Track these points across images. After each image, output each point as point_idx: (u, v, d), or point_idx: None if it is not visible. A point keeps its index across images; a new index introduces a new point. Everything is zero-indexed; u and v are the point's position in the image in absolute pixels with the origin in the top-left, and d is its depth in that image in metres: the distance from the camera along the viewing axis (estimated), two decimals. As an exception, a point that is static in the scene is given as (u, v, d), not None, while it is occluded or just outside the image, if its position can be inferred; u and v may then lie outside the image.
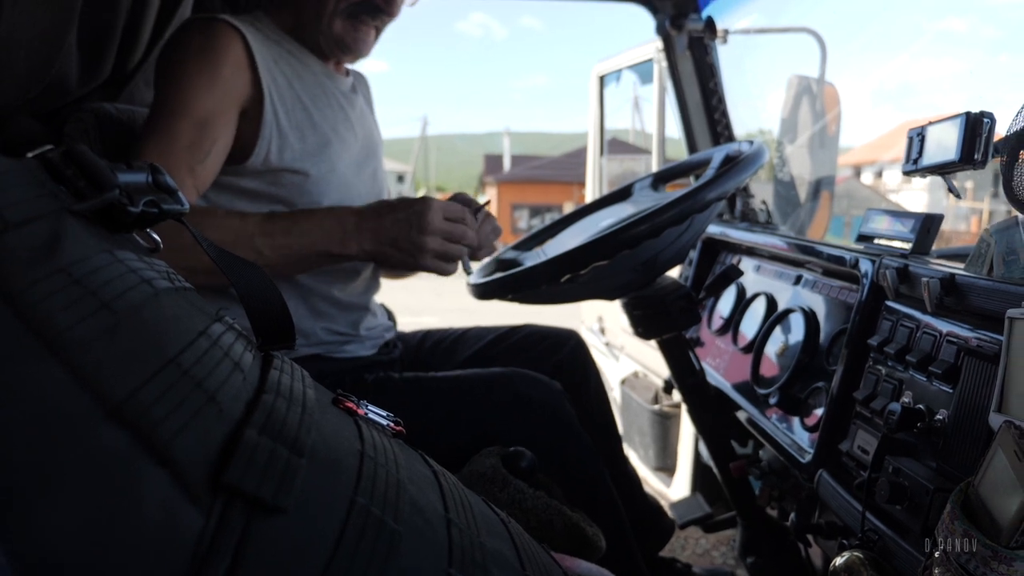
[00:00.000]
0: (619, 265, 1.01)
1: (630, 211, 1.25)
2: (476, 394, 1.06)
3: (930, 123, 0.80)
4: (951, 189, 0.81)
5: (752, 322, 1.26)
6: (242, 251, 0.92)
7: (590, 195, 3.16)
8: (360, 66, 1.26)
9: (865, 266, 0.93)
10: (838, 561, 0.74)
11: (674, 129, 1.99)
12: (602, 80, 2.82)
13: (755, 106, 2.05)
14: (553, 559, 0.47)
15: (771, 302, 1.23)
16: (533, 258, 1.22)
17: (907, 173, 0.84)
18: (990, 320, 0.69)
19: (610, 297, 1.20)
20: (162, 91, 0.99)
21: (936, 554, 0.57)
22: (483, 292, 1.07)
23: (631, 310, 1.20)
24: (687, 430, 1.94)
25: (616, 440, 1.34)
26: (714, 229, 1.56)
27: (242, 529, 0.24)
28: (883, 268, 0.87)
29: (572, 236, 1.30)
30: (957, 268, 0.79)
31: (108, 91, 1.17)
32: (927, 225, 0.90)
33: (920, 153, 0.81)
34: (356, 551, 0.27)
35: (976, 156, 0.73)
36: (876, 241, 0.99)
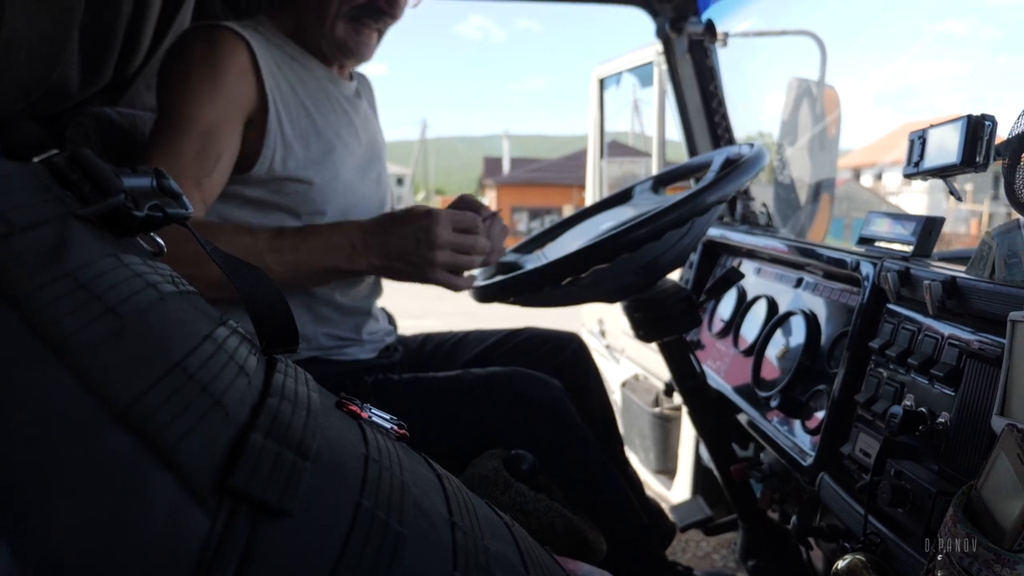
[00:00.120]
0: (620, 268, 1.01)
1: (630, 214, 1.25)
2: (476, 394, 1.06)
3: (931, 126, 0.80)
4: (952, 192, 0.82)
5: (753, 325, 1.26)
6: (281, 274, 0.93)
7: (590, 198, 3.17)
8: (360, 68, 1.26)
9: (866, 269, 0.93)
10: (840, 564, 0.74)
11: (674, 132, 1.99)
12: (602, 83, 2.83)
13: (755, 109, 2.05)
14: (556, 562, 0.47)
15: (772, 305, 1.23)
16: (534, 261, 1.22)
17: (908, 176, 0.84)
18: (992, 323, 0.69)
19: (611, 300, 1.20)
20: (166, 102, 0.98)
21: (938, 557, 0.57)
22: (484, 295, 1.07)
23: (632, 313, 1.20)
24: (688, 433, 1.94)
25: (618, 443, 1.34)
26: (715, 232, 1.56)
27: (248, 533, 0.24)
28: (884, 271, 0.87)
29: (573, 239, 1.30)
30: (959, 271, 0.79)
31: (109, 95, 1.17)
32: (928, 228, 0.90)
33: (921, 156, 0.81)
34: (361, 554, 0.27)
35: (978, 159, 0.73)
36: (877, 244, 0.99)
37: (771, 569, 1.32)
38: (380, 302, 1.25)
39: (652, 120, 2.46)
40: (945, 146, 0.76)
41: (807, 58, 1.87)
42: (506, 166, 28.52)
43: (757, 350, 1.19)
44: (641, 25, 1.84)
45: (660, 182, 1.37)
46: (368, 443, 0.34)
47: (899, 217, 0.96)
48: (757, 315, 1.26)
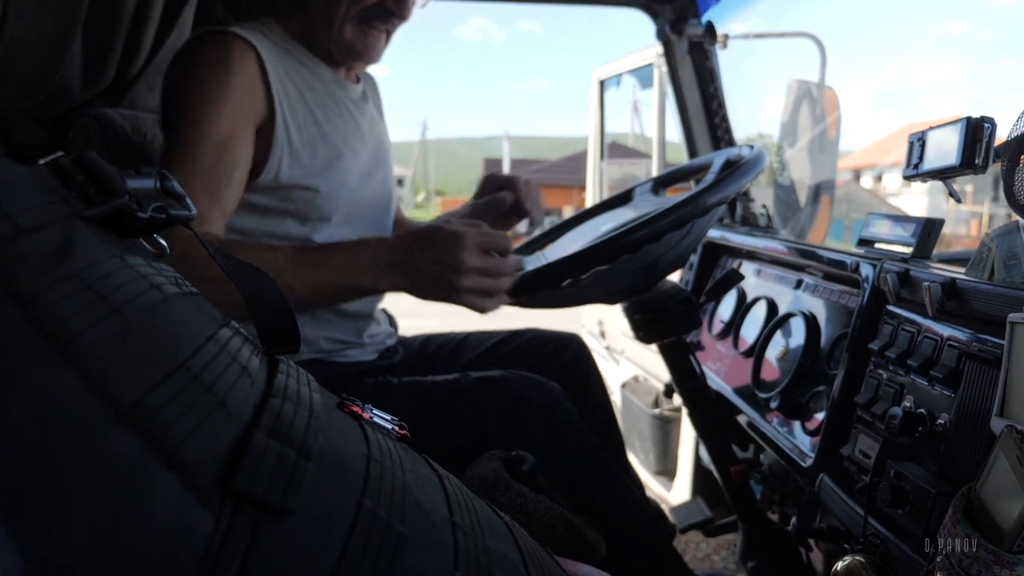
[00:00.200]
0: (620, 269, 1.01)
1: (631, 215, 1.26)
2: (475, 397, 1.06)
3: (931, 128, 0.80)
4: (952, 194, 0.82)
5: (753, 326, 1.26)
6: (298, 290, 0.90)
7: (590, 199, 3.17)
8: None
9: (866, 270, 0.94)
10: (839, 565, 0.74)
11: (674, 133, 2.00)
12: (602, 84, 2.83)
13: (755, 110, 2.05)
14: (556, 562, 0.47)
15: (772, 306, 1.24)
16: (534, 262, 1.22)
17: (908, 178, 0.84)
18: (991, 324, 0.69)
19: (611, 301, 1.21)
20: (177, 113, 0.97)
21: (938, 558, 0.57)
22: (484, 296, 1.07)
23: (632, 314, 1.20)
24: (688, 434, 1.94)
25: (618, 444, 1.34)
26: (715, 233, 1.56)
27: (251, 532, 0.25)
28: (884, 272, 0.87)
29: (573, 240, 1.30)
30: (958, 272, 0.79)
31: (110, 96, 1.17)
32: (928, 229, 0.91)
33: (921, 158, 0.81)
34: (363, 553, 0.27)
35: (977, 161, 0.73)
36: (877, 245, 1.00)
37: (771, 570, 1.32)
38: (381, 302, 1.26)
39: (652, 121, 2.46)
40: (944, 148, 0.76)
41: (807, 60, 1.88)
42: (506, 167, 28.54)
43: (757, 351, 1.20)
44: (641, 27, 1.84)
45: (660, 184, 1.37)
46: (370, 443, 0.35)
47: (899, 219, 0.97)
48: (757, 316, 1.27)
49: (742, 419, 1.20)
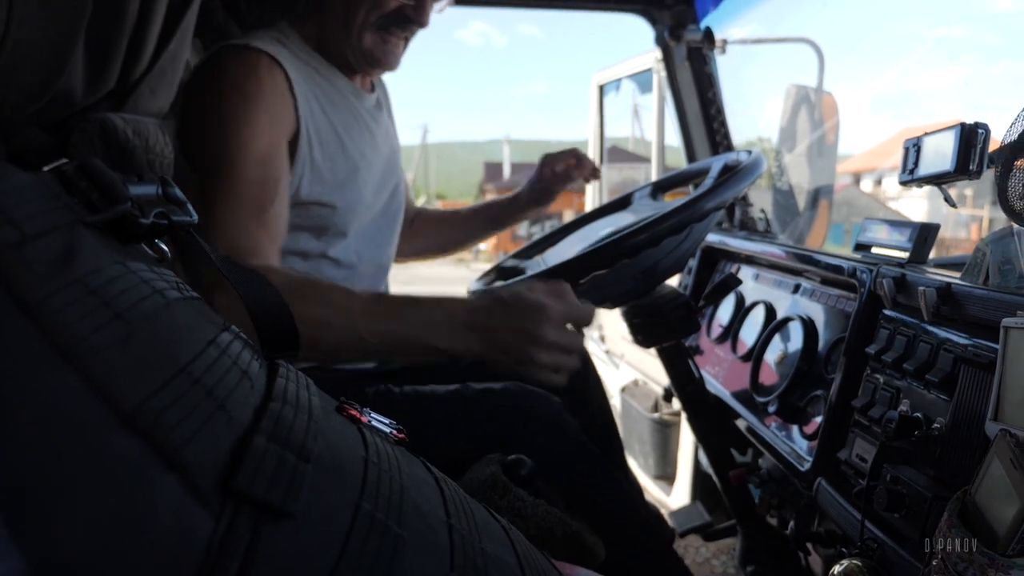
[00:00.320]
0: (618, 274, 1.02)
1: (630, 220, 1.26)
2: (475, 407, 1.06)
3: (926, 134, 0.81)
4: (947, 199, 0.82)
5: (751, 330, 1.27)
6: (339, 329, 0.89)
7: (590, 204, 3.18)
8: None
9: (862, 275, 0.94)
10: (837, 569, 0.74)
11: (673, 137, 2.00)
12: (602, 89, 2.84)
13: (754, 115, 2.06)
14: (553, 566, 0.48)
15: (770, 310, 1.24)
16: (534, 267, 1.23)
17: (904, 183, 0.85)
18: (986, 329, 0.69)
19: (610, 306, 1.21)
20: (210, 131, 0.95)
21: (934, 562, 0.58)
22: (484, 301, 1.08)
23: (631, 318, 1.21)
24: (687, 438, 1.95)
25: (617, 449, 1.35)
26: (713, 238, 1.56)
27: (251, 534, 0.25)
28: (880, 277, 0.87)
29: (572, 245, 1.30)
30: (953, 277, 0.79)
31: (113, 100, 1.18)
32: (924, 234, 0.91)
33: (916, 163, 0.82)
34: (361, 555, 0.28)
35: (971, 167, 0.74)
36: (873, 250, 1.00)
37: (769, 574, 1.33)
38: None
39: (652, 125, 2.47)
40: (939, 154, 0.77)
41: (805, 65, 1.89)
42: (507, 171, 28.56)
43: (755, 356, 1.20)
44: (641, 31, 1.85)
45: (659, 188, 1.38)
46: (368, 446, 0.35)
47: (895, 224, 0.97)
48: (755, 321, 1.27)
49: (741, 423, 1.20)
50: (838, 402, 0.91)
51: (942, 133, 0.78)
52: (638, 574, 1.08)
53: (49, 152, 1.02)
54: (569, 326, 0.90)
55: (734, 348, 1.31)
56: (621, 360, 2.42)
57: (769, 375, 1.16)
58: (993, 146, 0.74)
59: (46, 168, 0.32)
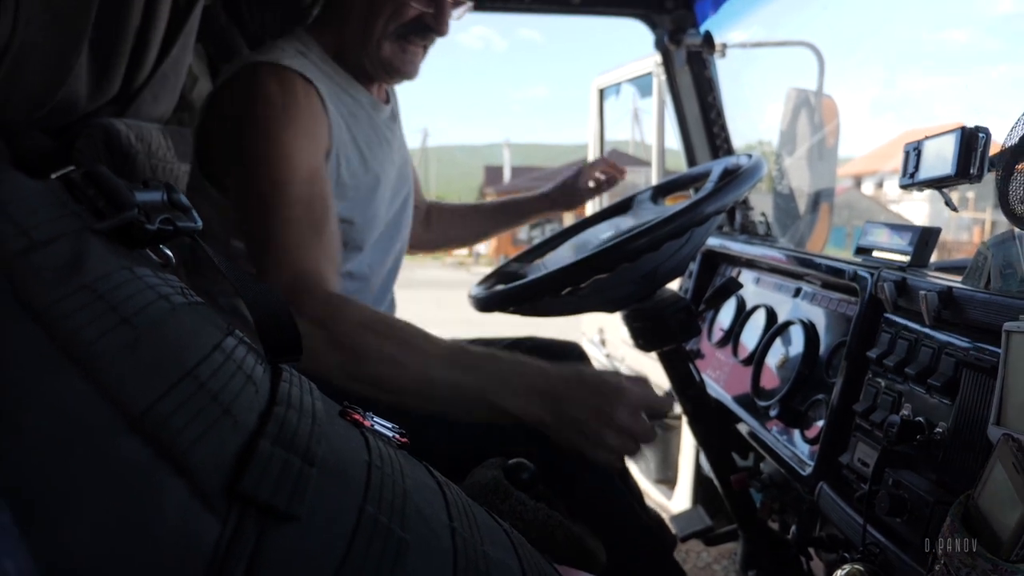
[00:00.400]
0: (619, 278, 1.02)
1: (630, 224, 1.27)
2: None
3: (926, 138, 0.81)
4: (948, 203, 0.83)
5: (752, 334, 1.27)
6: (411, 371, 0.87)
7: (590, 207, 3.18)
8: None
9: (863, 279, 0.94)
10: (839, 574, 0.74)
11: (674, 140, 2.01)
12: (602, 93, 2.85)
13: (754, 119, 2.07)
14: (555, 570, 0.48)
15: (771, 314, 1.24)
16: (534, 271, 1.23)
17: (904, 187, 0.85)
18: (988, 333, 0.69)
19: (611, 309, 1.21)
20: (258, 155, 0.94)
21: (936, 567, 0.58)
22: (485, 305, 1.08)
23: (631, 322, 1.21)
24: (688, 442, 1.94)
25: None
26: (714, 241, 1.57)
27: (256, 537, 0.25)
28: (881, 281, 0.88)
29: (573, 249, 1.31)
30: (955, 281, 0.80)
31: (116, 106, 1.18)
32: (925, 238, 0.91)
33: (917, 167, 0.82)
34: (365, 558, 0.28)
35: (972, 170, 0.74)
36: (875, 254, 1.00)
37: (771, 579, 1.32)
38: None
39: (652, 129, 2.47)
40: (940, 157, 0.77)
41: (805, 68, 1.89)
42: (507, 175, 28.59)
43: (756, 359, 1.20)
44: (641, 35, 1.86)
45: (659, 192, 1.38)
46: (371, 450, 0.35)
47: (896, 227, 0.97)
48: (756, 324, 1.27)
49: (742, 427, 1.20)
50: (840, 406, 0.91)
51: (943, 137, 0.78)
52: (640, 578, 1.08)
53: (53, 157, 1.02)
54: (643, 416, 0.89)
55: (735, 352, 1.31)
56: (622, 364, 2.42)
57: (770, 379, 1.16)
58: (994, 149, 0.74)
59: (53, 175, 0.32)
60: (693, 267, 1.60)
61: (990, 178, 0.76)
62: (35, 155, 0.99)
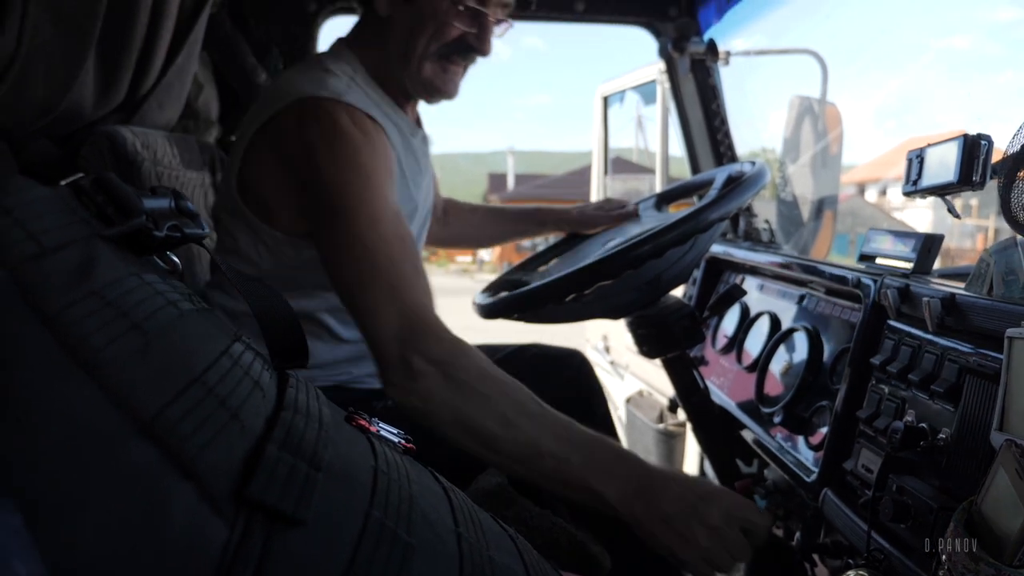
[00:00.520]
0: (623, 285, 1.02)
1: (635, 231, 1.27)
2: None
3: (929, 145, 0.81)
4: (951, 210, 0.83)
5: (756, 341, 1.27)
6: (518, 433, 0.85)
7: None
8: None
9: (867, 286, 0.94)
10: (843, 580, 0.74)
11: (678, 147, 2.01)
12: (606, 101, 2.86)
13: (757, 126, 2.07)
14: None
15: (775, 321, 1.24)
16: (539, 278, 1.23)
17: (907, 194, 0.85)
18: (991, 339, 0.69)
19: (614, 316, 1.21)
20: (347, 192, 0.92)
21: (940, 573, 0.58)
22: (489, 312, 1.08)
23: (635, 329, 1.21)
24: (692, 449, 1.94)
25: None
26: (717, 248, 1.57)
27: (264, 541, 0.26)
28: (885, 288, 0.88)
29: (578, 256, 1.31)
30: (958, 288, 0.80)
31: (122, 113, 1.19)
32: (928, 245, 0.91)
33: (919, 175, 0.82)
34: (371, 563, 0.28)
35: (974, 177, 0.74)
36: (878, 261, 1.00)
37: (776, 586, 1.32)
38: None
39: (656, 136, 2.48)
40: (942, 165, 0.77)
41: (809, 76, 1.90)
42: (511, 182, 28.62)
43: (760, 366, 1.20)
44: (643, 43, 1.87)
45: (664, 199, 1.39)
46: (377, 455, 0.35)
47: (899, 234, 0.97)
48: (760, 331, 1.27)
49: (746, 434, 1.20)
50: (843, 412, 0.91)
51: (945, 144, 0.78)
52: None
53: (59, 164, 1.03)
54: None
55: (739, 358, 1.31)
56: (626, 371, 2.42)
57: (774, 385, 1.16)
58: (997, 156, 0.75)
59: (63, 182, 0.32)
60: (697, 274, 1.60)
61: (993, 185, 0.76)
62: (41, 162, 1.00)
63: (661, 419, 2.08)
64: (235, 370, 0.31)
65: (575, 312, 1.12)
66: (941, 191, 0.80)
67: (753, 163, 1.11)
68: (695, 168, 1.87)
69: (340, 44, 1.09)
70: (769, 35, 1.95)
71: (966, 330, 0.74)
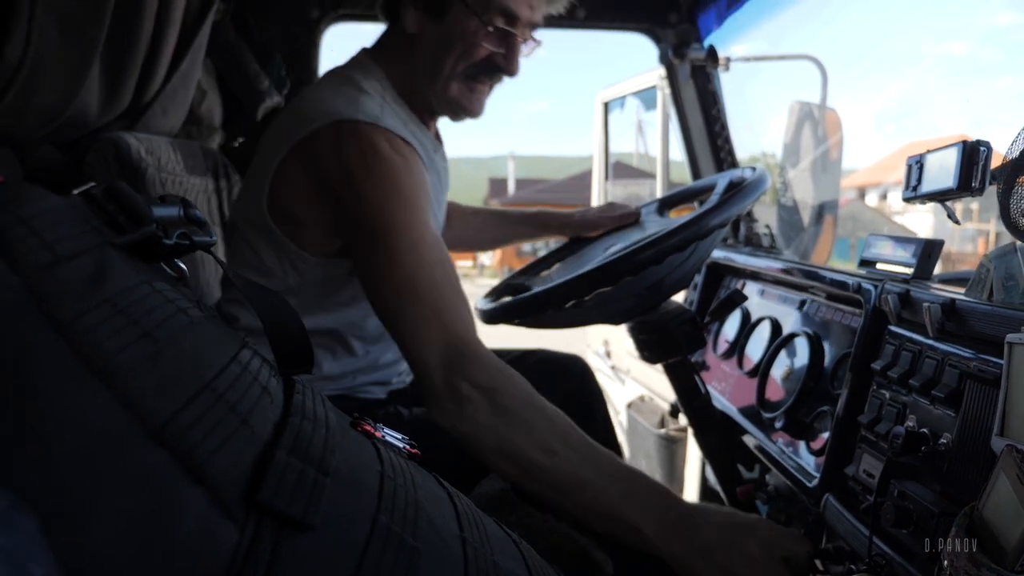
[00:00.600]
0: (624, 291, 1.02)
1: (637, 236, 1.27)
2: None
3: (928, 151, 0.82)
4: (950, 215, 0.83)
5: (757, 346, 1.27)
6: (563, 467, 0.84)
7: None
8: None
9: (867, 291, 0.95)
10: (845, 585, 0.74)
11: (678, 152, 2.02)
12: (607, 106, 2.87)
13: (758, 131, 2.08)
14: (563, 580, 0.48)
15: (776, 326, 1.24)
16: (541, 282, 1.24)
17: (907, 200, 0.86)
18: (991, 344, 0.70)
19: (616, 321, 1.22)
20: (391, 217, 0.92)
21: (942, 577, 0.58)
22: (490, 317, 1.09)
23: (637, 334, 1.21)
24: (694, 454, 1.94)
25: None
26: (718, 254, 1.57)
27: (273, 545, 0.26)
28: (885, 293, 0.88)
29: (580, 261, 1.32)
30: (958, 293, 0.80)
31: (126, 120, 1.20)
32: (928, 250, 0.92)
33: (919, 180, 0.83)
34: (378, 567, 0.28)
35: (974, 183, 0.75)
36: (878, 266, 1.01)
37: (778, 591, 1.32)
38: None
39: (656, 141, 2.49)
40: (942, 171, 0.78)
41: (808, 81, 1.90)
42: (511, 187, 28.63)
43: (761, 371, 1.20)
44: (643, 50, 1.87)
45: (666, 204, 1.39)
46: (383, 461, 0.36)
47: (899, 240, 0.98)
48: (761, 336, 1.27)
49: (748, 439, 1.20)
50: (845, 418, 0.91)
51: (944, 150, 0.78)
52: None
53: (64, 170, 1.03)
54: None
55: (740, 364, 1.31)
56: (627, 376, 2.42)
57: (775, 391, 1.16)
58: (997, 160, 0.75)
59: (75, 191, 0.33)
60: (698, 279, 1.61)
61: (994, 189, 0.76)
62: (46, 168, 1.01)
63: (662, 424, 2.08)
64: (244, 376, 0.31)
65: (577, 318, 1.13)
66: (941, 197, 0.80)
67: (754, 169, 1.12)
68: (695, 173, 1.87)
69: (366, 56, 1.08)
70: (769, 41, 1.95)
71: (966, 335, 0.74)
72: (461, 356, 0.89)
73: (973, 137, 0.76)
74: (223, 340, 0.33)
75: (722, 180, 1.21)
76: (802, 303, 1.20)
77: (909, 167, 0.84)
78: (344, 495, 0.30)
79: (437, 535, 0.34)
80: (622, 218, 1.37)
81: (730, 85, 1.82)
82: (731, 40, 1.75)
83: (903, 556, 0.73)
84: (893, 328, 0.87)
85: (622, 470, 0.88)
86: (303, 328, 0.43)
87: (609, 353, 2.62)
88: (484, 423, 0.86)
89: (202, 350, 0.30)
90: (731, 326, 1.40)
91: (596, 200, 3.13)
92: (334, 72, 1.08)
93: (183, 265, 0.40)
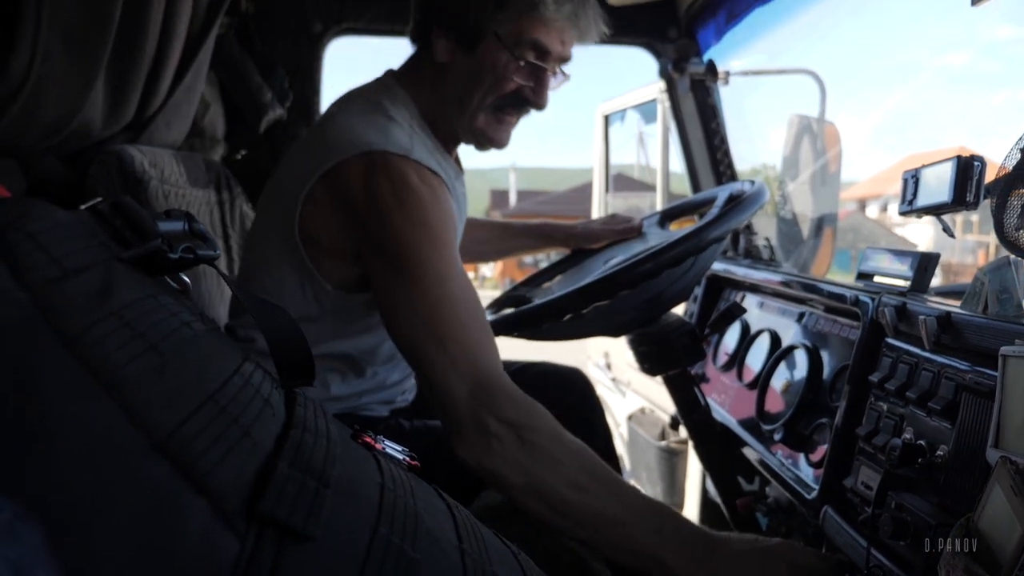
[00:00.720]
0: (623, 304, 1.03)
1: (638, 248, 1.28)
2: None
3: (924, 166, 0.83)
4: (946, 229, 0.84)
5: (756, 358, 1.28)
6: (593, 504, 0.84)
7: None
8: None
9: (865, 304, 0.95)
10: (844, 597, 0.74)
11: (678, 164, 2.03)
12: (607, 119, 2.88)
13: (756, 144, 2.09)
14: (561, 591, 0.48)
15: (775, 338, 1.25)
16: (542, 294, 1.24)
17: (903, 214, 0.87)
18: (986, 357, 0.70)
19: (617, 334, 1.22)
20: (418, 252, 0.91)
21: (938, 589, 0.58)
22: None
23: (637, 347, 1.22)
24: (694, 466, 1.94)
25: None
26: (718, 266, 1.58)
27: (274, 555, 0.26)
28: (882, 306, 0.88)
29: (581, 273, 1.32)
30: (954, 306, 0.80)
31: (129, 133, 1.21)
32: (924, 263, 0.92)
33: (915, 194, 0.84)
34: None
35: (968, 198, 0.75)
36: (876, 279, 1.01)
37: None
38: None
39: (657, 154, 2.50)
40: (937, 185, 0.79)
41: (807, 95, 1.92)
42: (513, 198, 28.68)
43: (761, 383, 1.20)
44: (643, 64, 1.89)
45: (667, 217, 1.40)
46: (383, 472, 0.36)
47: (897, 252, 0.98)
48: (760, 349, 1.28)
49: (748, 451, 1.21)
50: (843, 430, 0.91)
51: (940, 165, 0.79)
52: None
53: (68, 183, 1.04)
54: None
55: (740, 376, 1.32)
56: (627, 388, 2.42)
57: (775, 403, 1.17)
58: (993, 171, 0.76)
59: (82, 207, 0.34)
60: (698, 291, 1.61)
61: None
62: (50, 180, 1.02)
63: (663, 436, 2.08)
64: (247, 389, 0.32)
65: (577, 330, 1.13)
66: (936, 211, 0.81)
67: (752, 182, 1.13)
68: (695, 186, 1.88)
69: (392, 80, 1.07)
70: (768, 55, 1.97)
71: (962, 348, 0.74)
72: (487, 392, 0.87)
73: (973, 149, 0.77)
74: (226, 353, 0.33)
75: (723, 193, 1.22)
76: (801, 315, 1.21)
77: (905, 181, 0.85)
78: (345, 506, 0.30)
79: (436, 546, 0.34)
80: (625, 232, 1.38)
81: (730, 99, 1.84)
82: (730, 54, 1.77)
83: (900, 567, 0.73)
84: (890, 340, 0.88)
85: (648, 505, 0.88)
86: (304, 340, 0.44)
87: (609, 365, 2.62)
88: (512, 459, 0.85)
89: (205, 363, 0.31)
90: (731, 338, 1.40)
91: (597, 212, 3.14)
92: (360, 94, 1.06)
93: (187, 279, 0.40)
